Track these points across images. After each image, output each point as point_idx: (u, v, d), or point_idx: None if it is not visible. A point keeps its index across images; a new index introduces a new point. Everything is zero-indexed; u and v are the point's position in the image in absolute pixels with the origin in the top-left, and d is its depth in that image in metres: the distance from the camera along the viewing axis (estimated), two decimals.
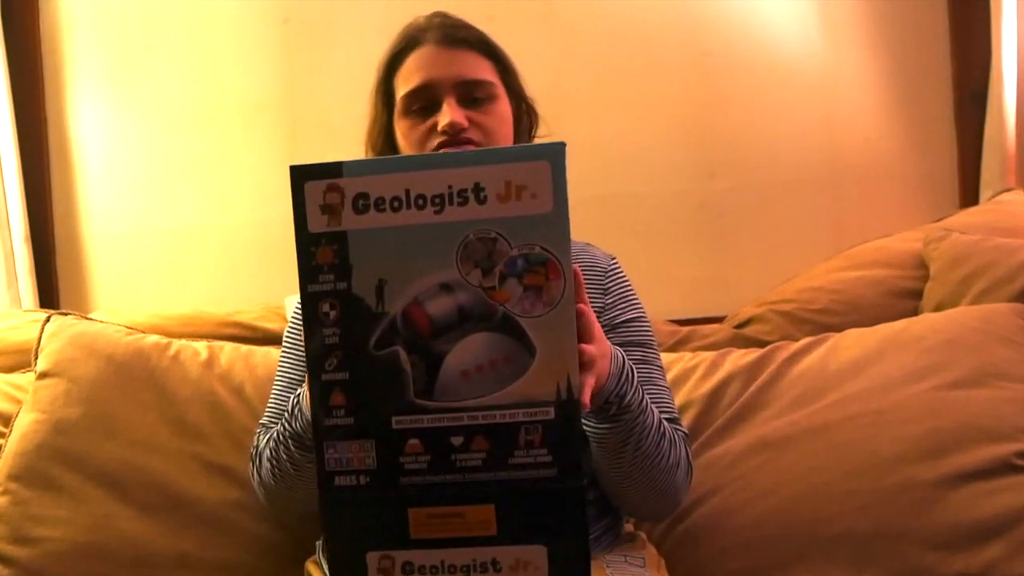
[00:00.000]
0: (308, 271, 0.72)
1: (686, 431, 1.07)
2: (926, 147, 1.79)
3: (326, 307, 0.72)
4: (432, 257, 0.70)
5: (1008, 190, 1.64)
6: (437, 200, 0.69)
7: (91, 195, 1.77)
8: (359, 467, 0.72)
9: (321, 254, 0.72)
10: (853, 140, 1.79)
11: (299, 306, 1.14)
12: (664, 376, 1.11)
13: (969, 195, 1.77)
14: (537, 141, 1.16)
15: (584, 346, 0.75)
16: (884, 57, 1.78)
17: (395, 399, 0.71)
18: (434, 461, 0.71)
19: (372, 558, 0.74)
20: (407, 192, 0.70)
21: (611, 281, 1.12)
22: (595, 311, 1.07)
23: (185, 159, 1.76)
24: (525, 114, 1.15)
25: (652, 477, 0.97)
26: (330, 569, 0.76)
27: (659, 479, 0.98)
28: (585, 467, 0.77)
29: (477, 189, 0.69)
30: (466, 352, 0.70)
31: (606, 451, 0.95)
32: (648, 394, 0.99)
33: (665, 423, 0.99)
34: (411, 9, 1.15)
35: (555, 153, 0.69)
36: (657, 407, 1.01)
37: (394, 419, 0.71)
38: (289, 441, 0.95)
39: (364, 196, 0.70)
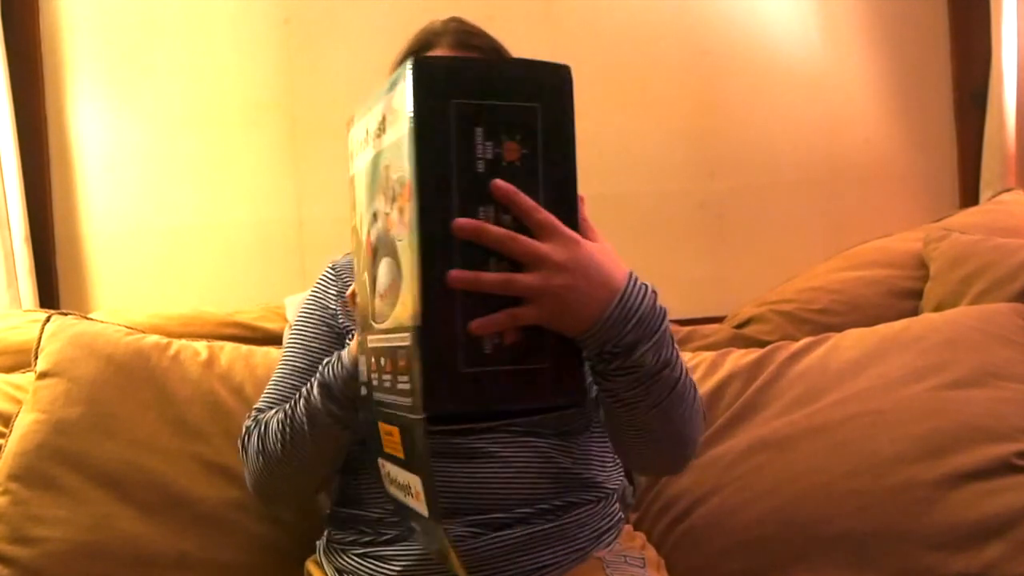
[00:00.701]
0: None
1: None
2: (926, 147, 1.79)
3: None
4: (373, 188, 0.75)
5: (1008, 190, 1.64)
6: (375, 134, 0.74)
7: (91, 195, 1.77)
8: (365, 379, 0.80)
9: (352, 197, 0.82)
10: (853, 140, 1.79)
11: (304, 302, 1.15)
12: None
13: (969, 195, 1.77)
14: None
15: (510, 276, 0.69)
16: (884, 57, 1.78)
17: (365, 321, 0.78)
18: (378, 379, 0.76)
19: (381, 464, 0.82)
20: (366, 131, 0.77)
21: None
22: None
23: (185, 159, 1.76)
24: None
25: (675, 430, 0.86)
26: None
27: (683, 431, 0.87)
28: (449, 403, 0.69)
29: (381, 120, 0.72)
30: (380, 278, 0.74)
31: (617, 406, 0.83)
32: None
33: (693, 385, 0.88)
34: (410, 10, 1.15)
35: (412, 66, 0.67)
36: None
37: (368, 338, 0.78)
38: (315, 391, 0.93)
39: (353, 138, 0.81)
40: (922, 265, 1.49)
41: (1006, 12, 1.67)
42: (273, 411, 1.02)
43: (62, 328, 1.34)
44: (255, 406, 1.10)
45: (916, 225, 1.61)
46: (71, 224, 1.77)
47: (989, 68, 1.71)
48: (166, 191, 1.77)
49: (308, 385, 0.96)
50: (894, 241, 1.58)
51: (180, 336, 1.40)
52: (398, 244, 0.69)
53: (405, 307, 0.68)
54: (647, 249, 1.75)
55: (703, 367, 1.37)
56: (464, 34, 1.08)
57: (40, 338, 1.34)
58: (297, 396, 0.97)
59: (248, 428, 1.06)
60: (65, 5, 1.76)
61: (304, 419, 0.94)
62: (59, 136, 1.77)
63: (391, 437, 0.74)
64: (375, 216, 0.74)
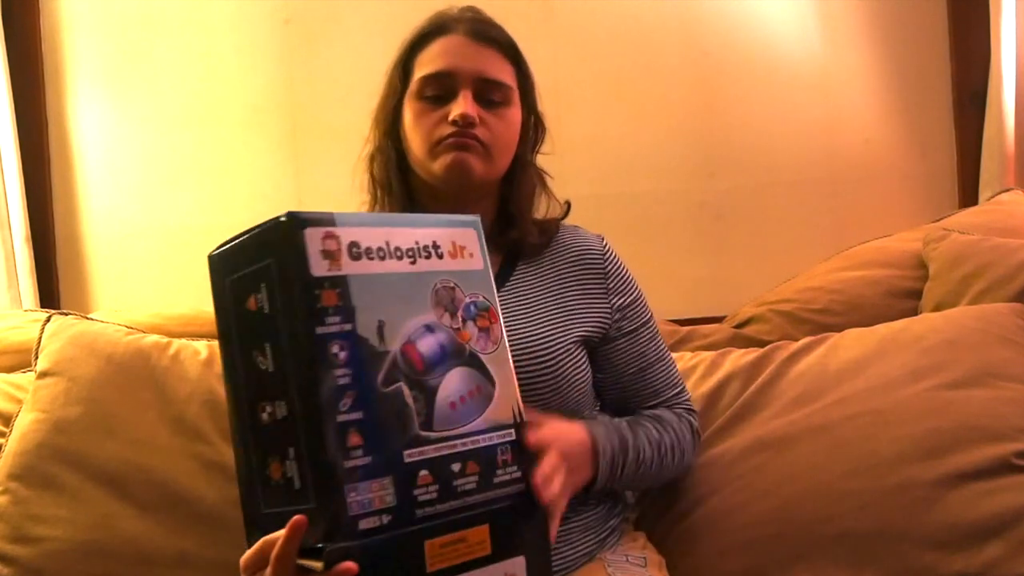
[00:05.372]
0: (314, 313, 0.73)
1: (690, 405, 1.13)
2: (926, 147, 1.79)
3: (335, 348, 0.73)
4: (414, 302, 0.78)
5: (1007, 190, 1.64)
6: (410, 253, 0.79)
7: (91, 195, 1.77)
8: (380, 506, 0.72)
9: (326, 297, 0.74)
10: (853, 140, 1.79)
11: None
12: (664, 349, 1.16)
13: (968, 195, 1.77)
14: (539, 157, 1.17)
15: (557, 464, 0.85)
16: (884, 57, 1.78)
17: (404, 433, 0.75)
18: (441, 489, 0.75)
19: None
20: (387, 243, 0.78)
21: (609, 263, 1.13)
22: (598, 295, 1.09)
23: (185, 159, 1.76)
24: (533, 127, 1.14)
25: (658, 481, 1.13)
26: None
27: (664, 478, 1.12)
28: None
29: (435, 246, 0.81)
30: (451, 385, 0.78)
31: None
32: (652, 375, 1.10)
33: (666, 445, 1.08)
34: (410, 10, 1.15)
35: (476, 223, 0.85)
36: (658, 384, 1.12)
37: (405, 453, 0.74)
38: None
39: (356, 244, 0.76)
40: (922, 265, 1.49)
41: (1005, 12, 1.67)
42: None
43: (62, 328, 1.34)
44: None
45: (916, 225, 1.61)
46: (71, 224, 1.77)
47: (988, 69, 1.71)
48: (166, 191, 1.77)
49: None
50: (894, 241, 1.58)
51: (180, 336, 1.40)
52: (483, 356, 0.81)
53: (503, 408, 0.80)
54: (647, 249, 1.75)
55: (703, 367, 1.37)
56: (481, 23, 1.08)
57: (40, 338, 1.34)
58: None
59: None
60: (65, 5, 1.76)
61: None
62: (59, 136, 1.77)
63: (464, 543, 0.76)
64: (429, 327, 0.78)
